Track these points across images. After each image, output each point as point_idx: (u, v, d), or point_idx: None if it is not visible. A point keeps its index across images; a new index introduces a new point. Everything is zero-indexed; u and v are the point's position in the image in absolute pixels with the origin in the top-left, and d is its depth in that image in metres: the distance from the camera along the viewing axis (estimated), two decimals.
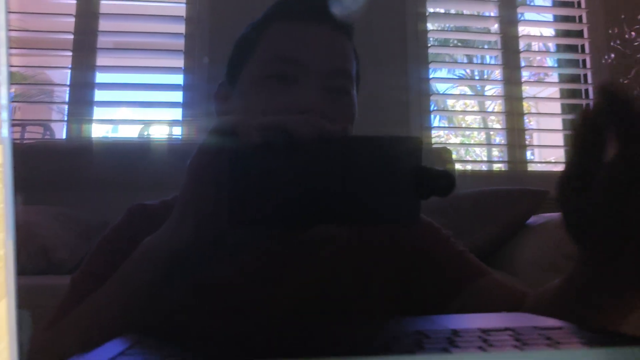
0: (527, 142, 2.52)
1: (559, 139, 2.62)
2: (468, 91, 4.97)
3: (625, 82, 2.30)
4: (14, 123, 3.26)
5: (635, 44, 2.26)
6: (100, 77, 2.25)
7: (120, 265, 0.52)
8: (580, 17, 2.62)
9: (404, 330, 0.37)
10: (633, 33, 2.27)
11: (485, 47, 3.20)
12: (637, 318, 0.43)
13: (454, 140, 4.14)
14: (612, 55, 2.32)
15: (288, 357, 0.24)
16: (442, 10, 2.64)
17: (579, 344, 0.28)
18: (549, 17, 2.85)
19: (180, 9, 2.32)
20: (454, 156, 2.25)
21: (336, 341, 0.34)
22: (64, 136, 2.20)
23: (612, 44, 2.34)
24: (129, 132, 3.10)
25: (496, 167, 2.74)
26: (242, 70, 0.67)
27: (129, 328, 0.40)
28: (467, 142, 5.65)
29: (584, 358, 0.26)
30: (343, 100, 0.65)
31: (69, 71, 2.20)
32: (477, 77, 3.76)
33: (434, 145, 2.36)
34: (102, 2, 2.26)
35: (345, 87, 0.65)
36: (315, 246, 0.67)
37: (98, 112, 2.21)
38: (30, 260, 1.33)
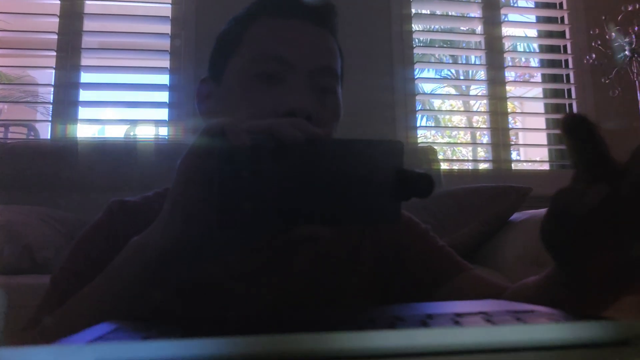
0: (512, 142, 2.55)
1: (542, 138, 2.65)
2: (453, 91, 5.01)
3: (606, 81, 2.33)
4: None
5: (616, 44, 2.30)
6: (85, 77, 2.24)
7: (101, 262, 0.52)
8: (562, 18, 2.66)
9: (380, 314, 0.38)
10: (613, 33, 2.31)
11: (471, 47, 3.23)
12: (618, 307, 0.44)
13: (440, 140, 4.17)
14: (594, 55, 2.35)
15: (264, 334, 0.25)
16: (427, 12, 2.66)
17: (545, 321, 0.30)
18: (531, 18, 2.89)
19: (166, 9, 2.32)
20: (440, 156, 2.27)
21: (310, 322, 0.35)
22: (48, 136, 2.18)
23: (593, 44, 2.38)
24: (115, 132, 3.09)
25: (482, 166, 2.76)
26: (226, 66, 0.67)
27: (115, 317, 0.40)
28: (452, 142, 5.70)
29: (547, 332, 0.27)
30: (329, 99, 0.65)
31: (53, 71, 2.19)
32: (462, 78, 3.80)
33: (419, 145, 2.38)
34: (87, 2, 2.26)
35: (331, 85, 0.66)
36: (299, 244, 0.68)
37: (83, 112, 2.20)
38: (14, 259, 1.32)
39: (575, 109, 2.54)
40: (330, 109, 0.65)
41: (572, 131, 0.38)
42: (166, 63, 2.26)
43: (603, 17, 2.35)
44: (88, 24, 2.25)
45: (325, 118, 0.63)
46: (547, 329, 0.28)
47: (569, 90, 2.60)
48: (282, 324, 0.35)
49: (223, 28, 0.70)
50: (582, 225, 0.39)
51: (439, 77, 5.21)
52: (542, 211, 0.41)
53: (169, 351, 0.25)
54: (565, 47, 2.61)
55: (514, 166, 2.53)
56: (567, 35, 2.60)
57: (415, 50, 2.46)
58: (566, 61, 2.60)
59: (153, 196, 0.70)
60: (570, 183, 0.40)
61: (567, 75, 2.62)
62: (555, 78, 2.69)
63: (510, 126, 2.54)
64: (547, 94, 2.75)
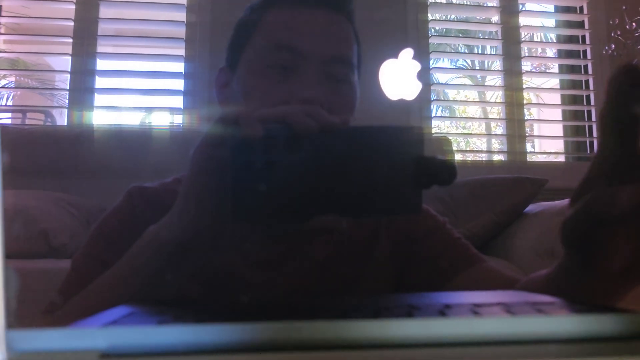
0: (527, 133, 2.52)
1: (558, 129, 2.62)
2: (469, 82, 4.96)
3: None
4: (14, 109, 3.25)
5: (636, 34, 2.26)
6: (101, 64, 2.25)
7: (121, 247, 0.53)
8: (581, 8, 2.61)
9: (397, 303, 0.38)
10: (634, 24, 2.26)
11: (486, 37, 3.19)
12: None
13: (454, 130, 4.13)
14: (613, 46, 2.31)
15: (279, 321, 0.25)
16: (443, 0, 2.63)
17: (566, 313, 0.29)
18: (549, 7, 2.84)
19: None
20: (454, 148, 2.26)
21: (326, 310, 0.35)
22: (65, 123, 2.20)
23: (612, 34, 2.34)
24: (130, 119, 3.10)
25: (497, 157, 2.74)
26: (241, 55, 0.66)
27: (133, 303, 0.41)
28: (467, 133, 5.65)
29: (568, 324, 0.27)
30: (344, 88, 0.64)
31: (69, 58, 2.19)
32: (477, 68, 3.76)
33: (434, 135, 2.36)
34: None
35: (345, 74, 0.65)
36: (315, 236, 0.67)
37: (99, 99, 2.21)
38: (30, 243, 1.34)
39: (592, 101, 2.50)
40: (344, 99, 0.64)
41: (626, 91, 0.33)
42: (181, 51, 2.25)
43: (623, 7, 2.31)
44: (104, 11, 2.25)
45: (338, 108, 0.62)
46: (568, 321, 0.27)
47: (587, 82, 2.56)
48: (297, 311, 0.35)
49: (240, 16, 0.70)
50: (610, 227, 0.37)
51: (454, 67, 5.17)
52: (557, 203, 0.39)
53: (183, 336, 0.24)
54: (583, 37, 2.57)
55: (529, 158, 2.50)
56: (586, 26, 2.55)
57: (431, 40, 2.43)
58: (584, 52, 2.56)
59: (171, 182, 0.70)
60: (592, 180, 0.38)
61: (585, 66, 2.57)
62: (572, 69, 2.65)
63: (525, 117, 2.51)
64: (564, 85, 2.71)
